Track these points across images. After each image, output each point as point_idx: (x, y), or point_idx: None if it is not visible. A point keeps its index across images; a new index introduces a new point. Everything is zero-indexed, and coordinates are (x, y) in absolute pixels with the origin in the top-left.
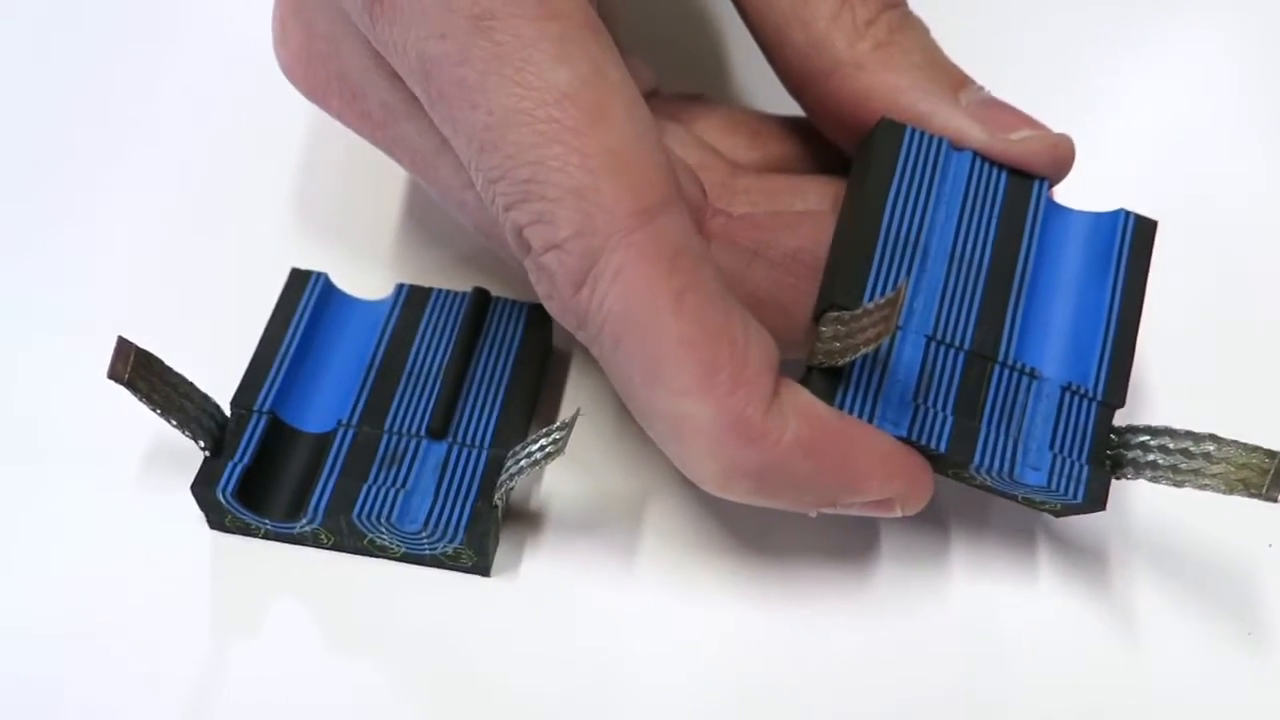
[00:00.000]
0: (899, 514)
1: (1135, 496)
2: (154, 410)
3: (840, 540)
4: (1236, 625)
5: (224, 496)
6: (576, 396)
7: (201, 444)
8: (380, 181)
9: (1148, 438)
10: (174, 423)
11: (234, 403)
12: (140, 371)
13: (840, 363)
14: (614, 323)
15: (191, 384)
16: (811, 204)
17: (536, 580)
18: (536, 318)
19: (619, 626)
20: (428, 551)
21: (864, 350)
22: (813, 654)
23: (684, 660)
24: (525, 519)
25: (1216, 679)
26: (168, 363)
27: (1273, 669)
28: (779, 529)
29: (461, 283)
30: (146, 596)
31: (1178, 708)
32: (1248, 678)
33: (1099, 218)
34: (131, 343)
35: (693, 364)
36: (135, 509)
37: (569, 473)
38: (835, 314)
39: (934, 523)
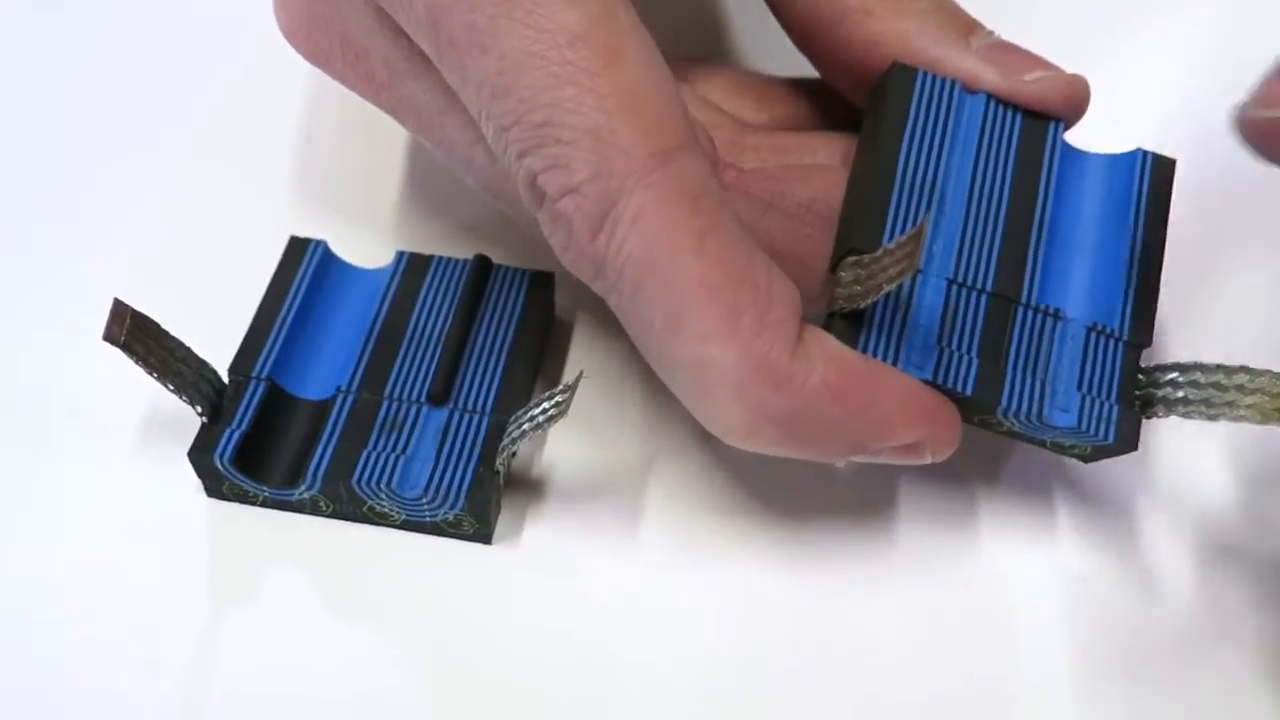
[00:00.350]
0: (928, 459)
1: (1158, 451)
2: (150, 374)
3: (856, 502)
4: (1261, 585)
5: (221, 463)
6: (580, 363)
7: (199, 410)
8: (381, 150)
9: (1177, 375)
10: (170, 387)
11: (232, 369)
12: (136, 335)
13: (862, 305)
14: (634, 267)
15: (188, 349)
16: (822, 159)
17: (539, 547)
18: (539, 284)
19: (624, 594)
20: (428, 518)
21: (886, 289)
22: (828, 619)
23: (692, 628)
24: (527, 486)
25: (1240, 636)
26: (174, 335)
27: None
28: (790, 492)
29: (463, 251)
30: (143, 565)
31: (1203, 664)
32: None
33: (1116, 159)
34: (128, 305)
35: (716, 307)
36: (132, 477)
37: (572, 439)
38: (854, 258)
39: (952, 481)
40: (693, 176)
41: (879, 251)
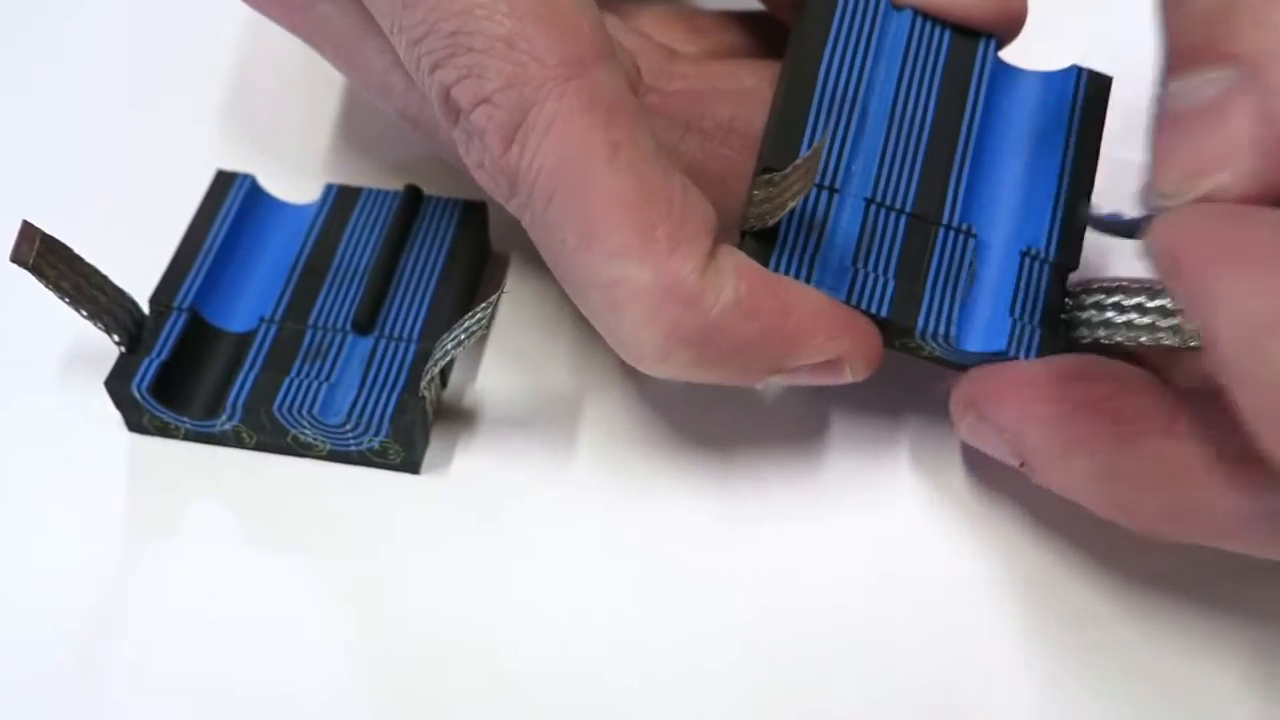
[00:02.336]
0: (849, 377)
1: None
2: (63, 299)
3: (787, 431)
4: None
5: (139, 392)
6: (515, 296)
7: (116, 339)
8: (315, 87)
9: (1102, 296)
10: (84, 313)
11: (153, 299)
12: (47, 257)
13: (770, 222)
14: (546, 179)
15: (105, 276)
16: (749, 85)
17: (469, 477)
18: (471, 215)
19: (556, 525)
20: (353, 447)
21: (791, 205)
22: (759, 550)
23: (624, 560)
24: (458, 416)
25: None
26: (91, 262)
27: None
28: (721, 422)
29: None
30: (62, 501)
31: (1121, 581)
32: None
33: (1050, 76)
34: (37, 227)
35: (629, 222)
36: (49, 409)
37: (504, 370)
38: (767, 176)
39: (881, 410)
40: (608, 88)
41: (787, 169)
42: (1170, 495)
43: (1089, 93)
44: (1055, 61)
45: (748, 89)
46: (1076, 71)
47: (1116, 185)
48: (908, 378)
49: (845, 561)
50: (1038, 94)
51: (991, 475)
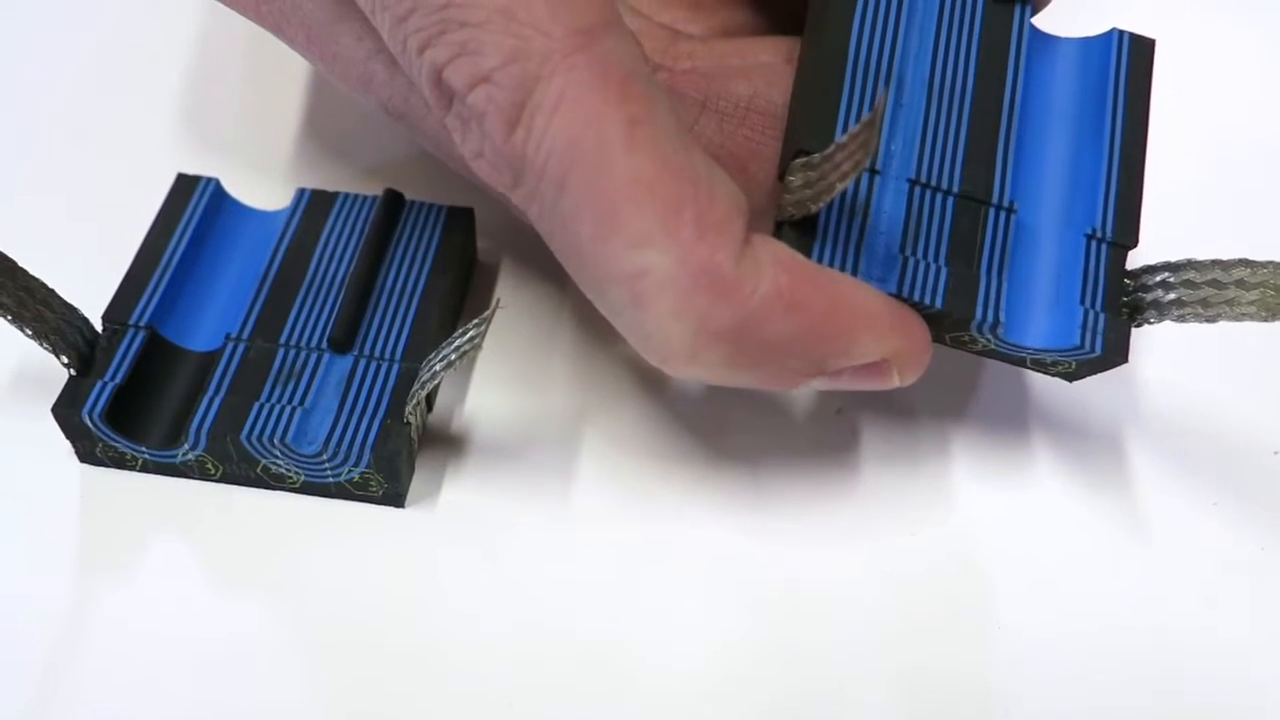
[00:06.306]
0: (895, 382)
1: (1135, 389)
2: (4, 316)
3: (813, 446)
4: (1240, 529)
5: (91, 419)
6: (507, 312)
7: (65, 360)
8: (282, 81)
9: (1168, 275)
10: (29, 332)
11: (106, 317)
12: None
13: (814, 209)
14: (556, 163)
15: (52, 290)
16: (765, 62)
17: (458, 510)
18: (457, 221)
19: (555, 562)
20: (330, 479)
21: (840, 187)
22: (786, 578)
23: (631, 601)
24: (445, 443)
25: (1237, 577)
26: (36, 275)
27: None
28: (741, 438)
29: (372, 193)
30: (5, 538)
31: (1195, 609)
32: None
33: (1089, 42)
34: None
35: (651, 206)
36: None
37: (496, 390)
38: (803, 160)
39: (916, 417)
40: (620, 59)
41: (830, 148)
42: None
43: (1132, 57)
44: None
45: (764, 65)
46: (1117, 35)
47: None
48: (948, 382)
49: (880, 589)
50: (1077, 62)
51: (1042, 495)
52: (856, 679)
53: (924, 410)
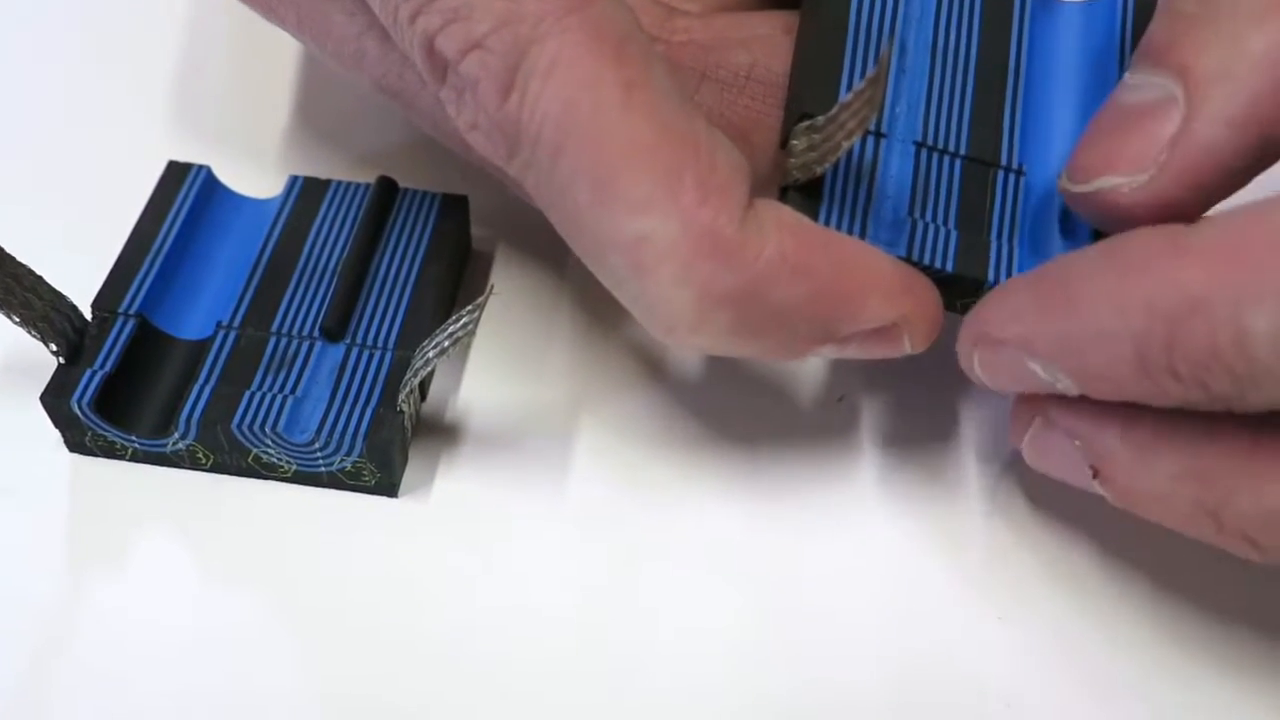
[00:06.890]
0: (907, 349)
1: None
2: None
3: (818, 430)
4: None
5: (79, 408)
6: (501, 299)
7: (53, 348)
8: (273, 66)
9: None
10: (16, 320)
11: (95, 304)
12: None
13: (819, 171)
14: (552, 129)
15: (39, 277)
16: (764, 33)
17: (452, 500)
18: (451, 209)
19: (550, 554)
20: (323, 468)
21: (846, 146)
22: (789, 569)
23: (628, 593)
24: (439, 432)
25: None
26: (24, 262)
27: None
28: (743, 423)
29: (365, 180)
30: None
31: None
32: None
33: (1092, 6)
34: None
35: (651, 170)
36: None
37: (491, 378)
38: (807, 123)
39: (926, 398)
40: (615, 20)
41: (834, 108)
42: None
43: (1137, 19)
44: None
45: (763, 36)
46: None
47: None
48: (937, 375)
49: (887, 579)
50: (1080, 24)
51: (1044, 482)
52: (857, 666)
53: (926, 397)
